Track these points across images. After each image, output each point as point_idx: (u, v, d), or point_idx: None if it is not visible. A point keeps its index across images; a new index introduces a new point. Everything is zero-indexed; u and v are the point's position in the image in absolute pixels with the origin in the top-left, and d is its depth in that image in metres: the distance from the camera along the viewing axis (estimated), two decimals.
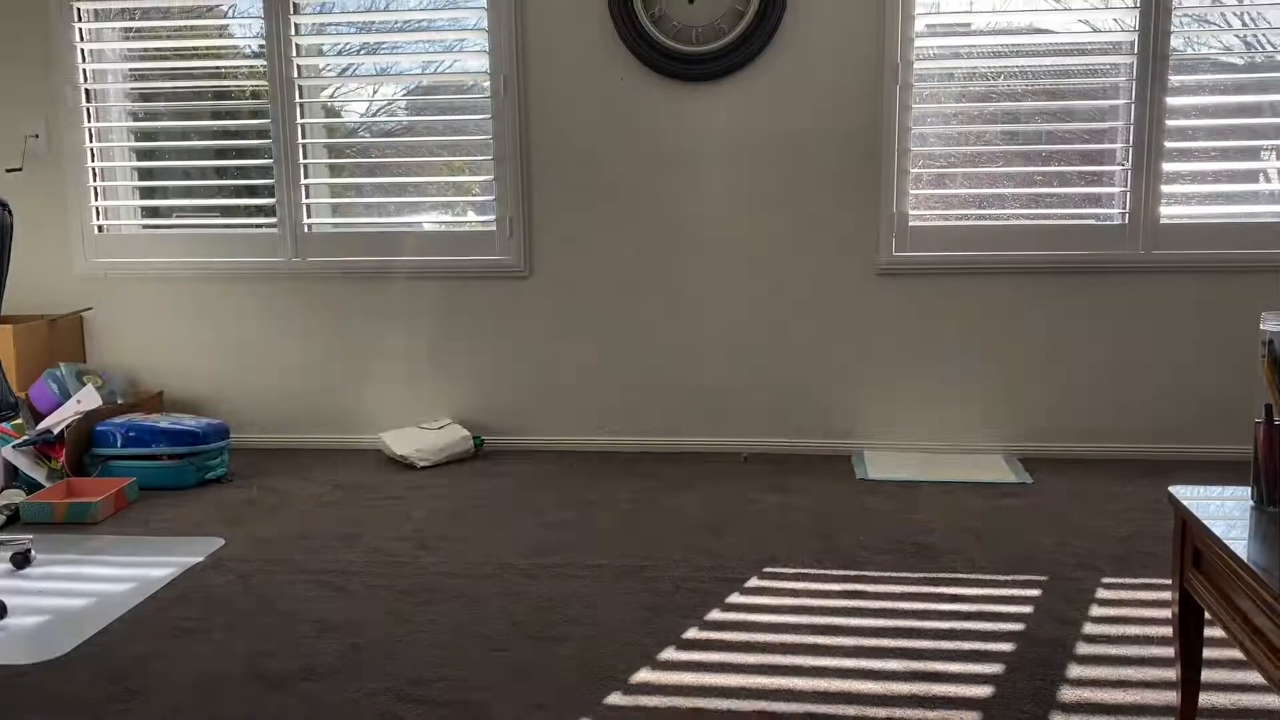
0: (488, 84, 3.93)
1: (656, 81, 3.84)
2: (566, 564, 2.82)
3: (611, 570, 2.77)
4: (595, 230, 3.95)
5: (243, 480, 3.67)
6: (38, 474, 3.48)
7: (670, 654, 2.29)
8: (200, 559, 2.89)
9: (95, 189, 4.14)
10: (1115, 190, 3.79)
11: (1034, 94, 3.79)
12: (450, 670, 2.22)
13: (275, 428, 4.16)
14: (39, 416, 3.76)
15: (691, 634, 2.39)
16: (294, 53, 3.96)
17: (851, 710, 2.04)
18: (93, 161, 4.13)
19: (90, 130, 4.11)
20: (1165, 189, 3.73)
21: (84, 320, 4.18)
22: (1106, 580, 2.67)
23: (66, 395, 3.78)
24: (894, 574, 2.74)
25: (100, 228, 4.16)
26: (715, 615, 2.49)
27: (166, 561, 2.88)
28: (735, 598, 2.59)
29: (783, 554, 2.89)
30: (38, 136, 4.09)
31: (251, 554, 2.93)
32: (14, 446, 3.50)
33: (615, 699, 2.09)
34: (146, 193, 4.23)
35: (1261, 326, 1.72)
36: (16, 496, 3.36)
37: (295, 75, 3.98)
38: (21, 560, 2.86)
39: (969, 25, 3.83)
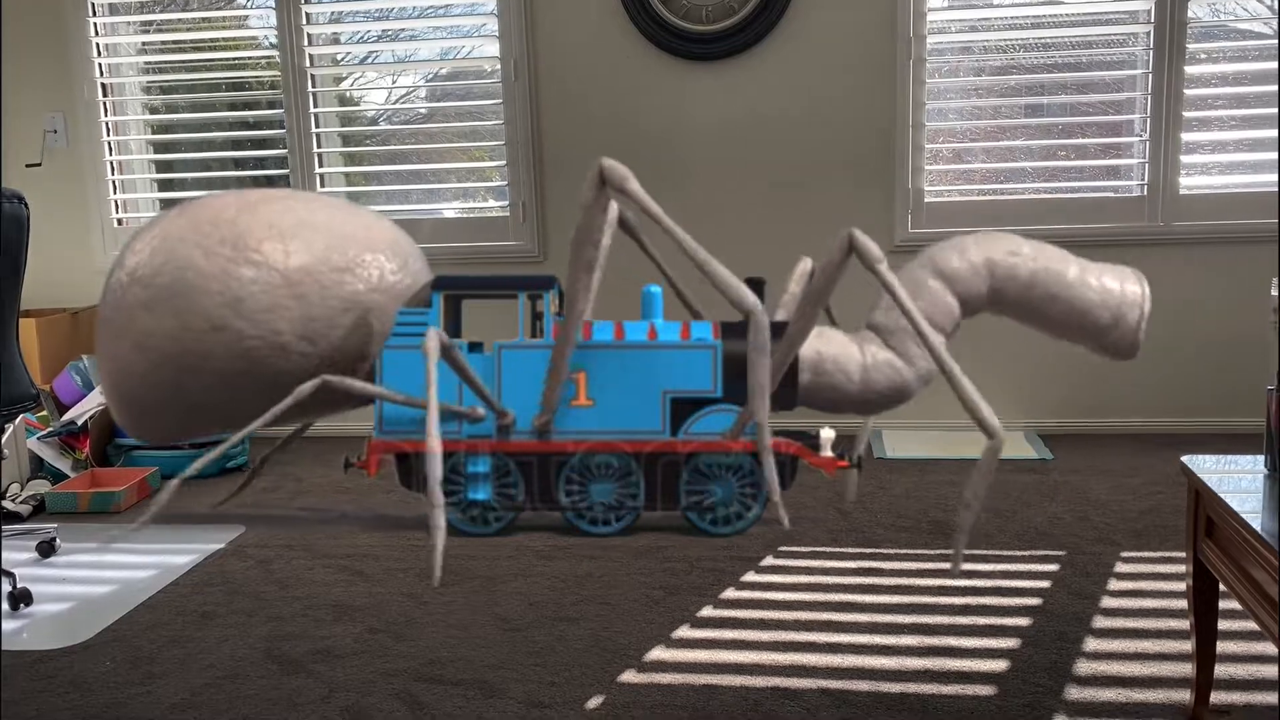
0: (498, 69, 3.93)
1: (667, 61, 3.83)
2: (582, 544, 2.83)
3: (627, 550, 2.78)
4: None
5: (270, 470, 3.70)
6: (62, 464, 3.53)
7: (685, 632, 2.29)
8: (221, 545, 2.92)
9: (113, 182, 4.18)
10: (1134, 162, 3.75)
11: (1052, 66, 3.74)
12: (466, 651, 2.24)
13: None
14: (63, 408, 3.81)
15: (706, 612, 2.39)
16: (306, 42, 3.98)
17: (866, 686, 2.03)
18: (110, 155, 4.17)
19: (107, 124, 4.15)
20: (1185, 159, 3.68)
21: None
22: (1125, 554, 2.65)
23: (89, 387, 3.82)
24: (910, 551, 2.73)
25: (120, 220, 4.20)
26: (730, 594, 2.49)
27: (188, 549, 2.91)
28: (750, 576, 2.59)
29: (798, 532, 2.89)
30: (56, 131, 4.13)
31: (271, 540, 2.96)
32: (39, 438, 3.55)
33: (629, 677, 2.10)
34: (164, 185, 4.27)
35: (1272, 293, 1.69)
36: (42, 486, 3.41)
37: (308, 65, 3.99)
38: (47, 549, 2.91)
39: None
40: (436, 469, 2.35)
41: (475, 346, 2.82)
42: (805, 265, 2.97)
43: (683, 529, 2.85)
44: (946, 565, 2.62)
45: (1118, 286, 2.67)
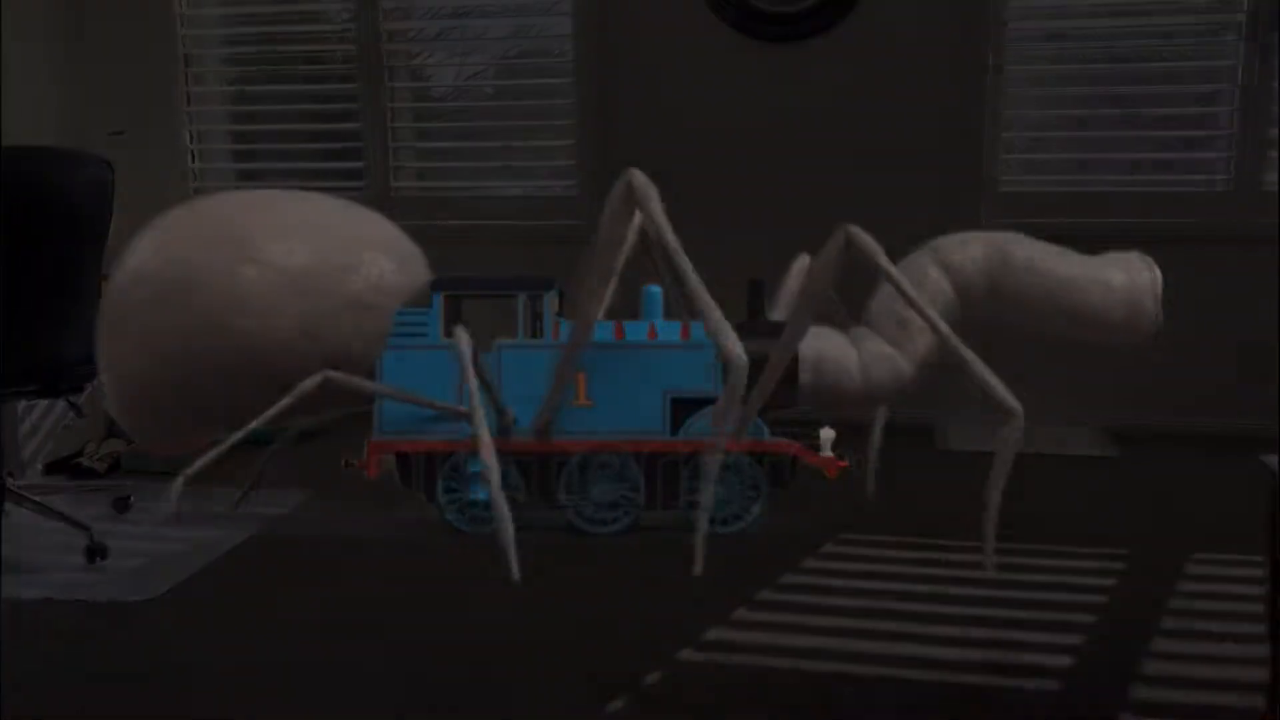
0: (570, 48, 3.93)
1: (741, 42, 3.79)
2: (642, 525, 2.83)
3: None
4: (676, 194, 3.93)
5: (326, 438, 3.76)
6: None
7: (743, 614, 2.29)
8: (285, 510, 2.98)
9: (193, 151, 4.27)
10: (1220, 156, 3.64)
11: (1137, 55, 3.65)
12: (526, 624, 2.26)
13: None
14: None
15: (765, 595, 2.39)
16: (380, 18, 4.02)
17: (925, 675, 2.01)
18: (190, 125, 4.26)
19: (188, 94, 4.23)
20: (1274, 155, 3.57)
21: None
22: (1197, 556, 2.59)
23: None
24: (974, 544, 2.69)
25: (196, 189, 4.29)
26: (789, 578, 2.48)
27: (255, 512, 2.97)
28: (810, 562, 2.58)
29: (860, 522, 2.86)
30: None
31: (333, 508, 3.01)
32: None
33: (687, 655, 2.10)
34: (240, 155, 4.35)
35: None
36: (118, 445, 3.51)
37: (382, 41, 4.03)
38: (122, 505, 2.99)
39: None
40: (496, 475, 2.23)
41: None
42: (803, 262, 2.94)
43: (683, 528, 2.82)
44: (1009, 559, 2.58)
45: (1125, 279, 2.59)
